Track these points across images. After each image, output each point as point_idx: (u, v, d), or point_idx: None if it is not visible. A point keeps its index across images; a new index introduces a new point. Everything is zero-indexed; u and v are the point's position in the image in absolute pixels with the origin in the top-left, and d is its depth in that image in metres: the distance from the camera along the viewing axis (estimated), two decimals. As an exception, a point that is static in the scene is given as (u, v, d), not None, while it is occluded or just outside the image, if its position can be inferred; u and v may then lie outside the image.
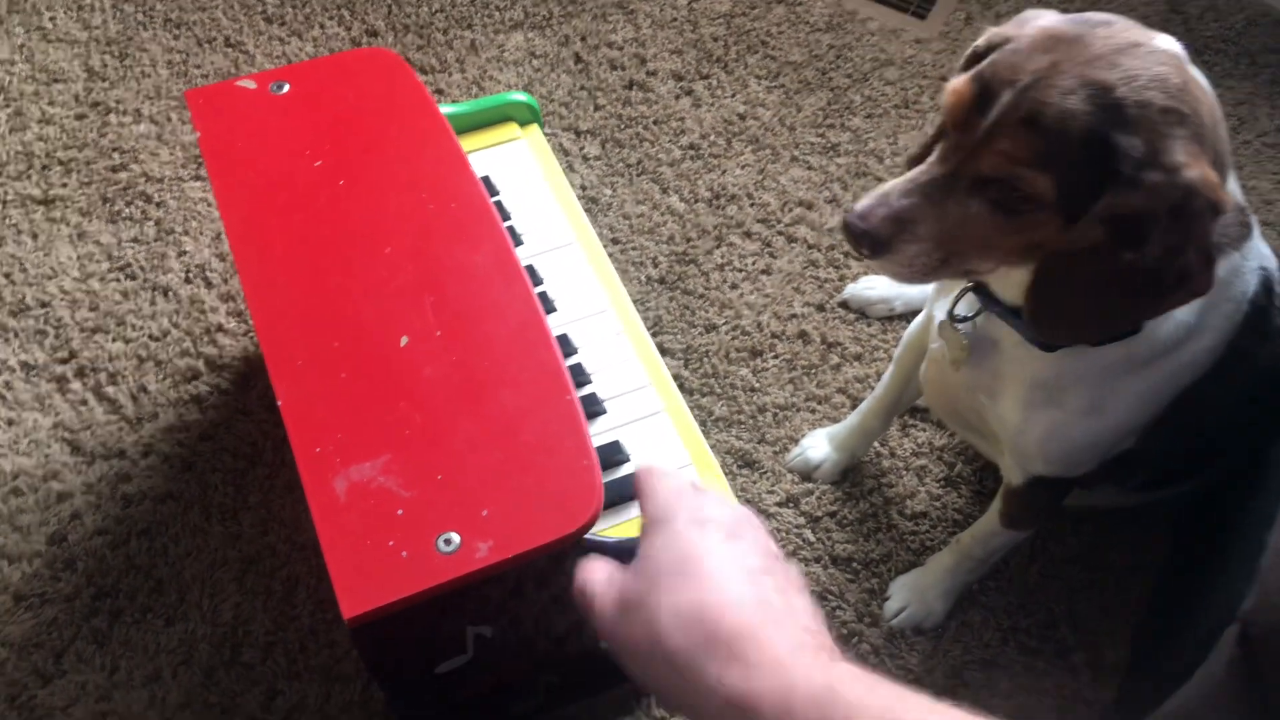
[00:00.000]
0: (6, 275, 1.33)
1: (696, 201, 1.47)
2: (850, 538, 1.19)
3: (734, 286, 1.39)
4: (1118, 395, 0.87)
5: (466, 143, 1.14)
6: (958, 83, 0.76)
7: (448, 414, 0.81)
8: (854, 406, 1.26)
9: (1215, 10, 1.74)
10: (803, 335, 1.34)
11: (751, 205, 1.47)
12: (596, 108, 1.57)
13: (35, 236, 1.37)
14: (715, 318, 1.36)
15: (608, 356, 1.00)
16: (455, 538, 0.75)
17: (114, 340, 1.28)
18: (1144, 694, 0.99)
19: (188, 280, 1.34)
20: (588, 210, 1.44)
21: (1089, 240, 0.73)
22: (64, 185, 1.42)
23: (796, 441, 1.24)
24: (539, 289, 1.03)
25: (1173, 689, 0.84)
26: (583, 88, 1.59)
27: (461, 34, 1.63)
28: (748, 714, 0.51)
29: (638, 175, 1.49)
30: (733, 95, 1.59)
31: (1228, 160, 0.77)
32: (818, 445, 1.22)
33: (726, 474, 1.22)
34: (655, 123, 1.55)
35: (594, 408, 0.95)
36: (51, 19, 1.61)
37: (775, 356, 1.32)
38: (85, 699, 1.04)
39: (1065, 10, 0.79)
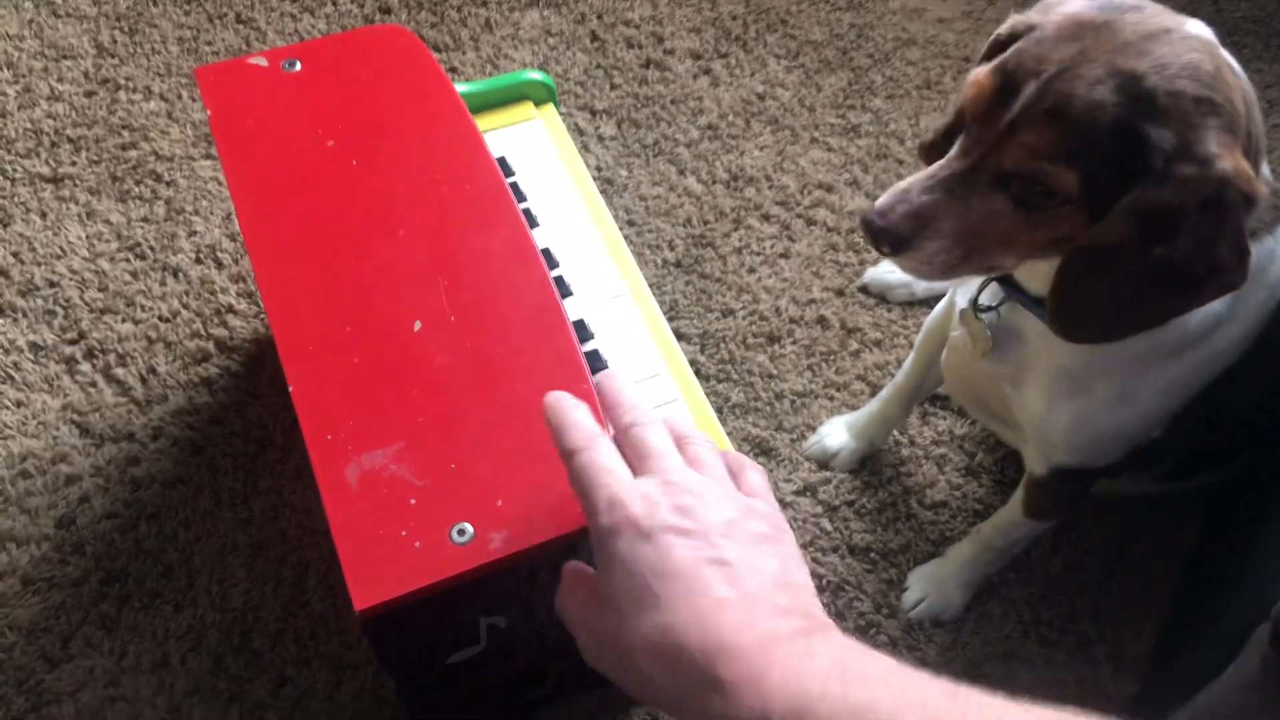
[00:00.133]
0: (15, 254, 1.32)
1: (714, 183, 1.44)
2: (868, 527, 1.17)
3: (752, 270, 1.36)
4: (1146, 384, 0.84)
5: (482, 122, 1.11)
6: (979, 74, 0.74)
7: (462, 401, 0.79)
8: (873, 394, 1.23)
9: (1245, -10, 1.70)
10: (821, 321, 1.32)
11: (770, 187, 1.44)
12: (613, 87, 1.54)
13: (44, 215, 1.35)
14: (732, 302, 1.33)
15: (624, 342, 0.98)
16: (469, 528, 0.73)
17: (123, 321, 1.27)
18: (1168, 689, 0.97)
19: (198, 260, 1.33)
20: (603, 192, 1.42)
21: (1116, 236, 0.70)
22: (73, 163, 1.40)
23: (814, 429, 1.22)
24: (555, 273, 1.01)
25: (1198, 686, 0.82)
26: (599, 66, 1.56)
27: (476, 11, 1.61)
28: None
29: (654, 156, 1.47)
30: (751, 75, 1.57)
31: (1262, 146, 0.74)
32: (836, 433, 1.20)
33: (743, 461, 1.20)
34: (672, 102, 1.53)
35: (610, 395, 0.94)
36: (61, -6, 1.59)
37: (793, 342, 1.30)
38: (93, 684, 1.02)
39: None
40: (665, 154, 1.47)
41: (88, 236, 1.34)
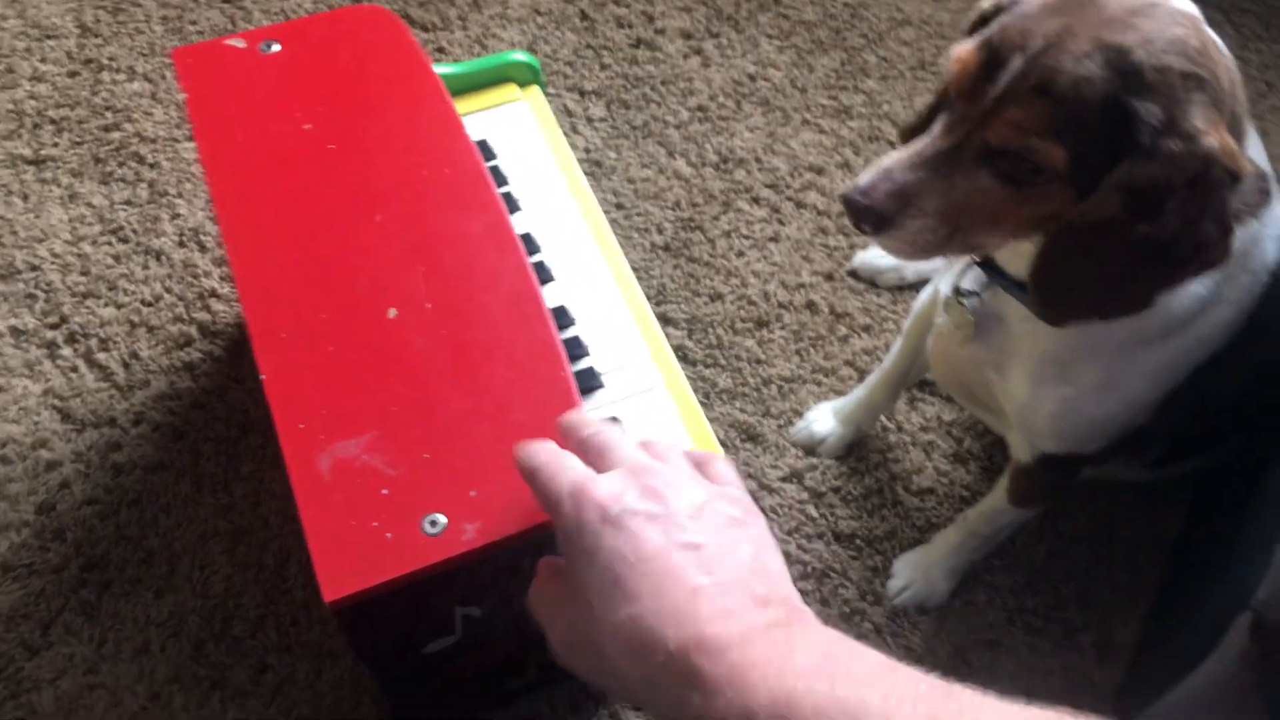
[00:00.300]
0: (-3, 237, 1.31)
1: (704, 165, 1.43)
2: (854, 514, 1.16)
3: (741, 254, 1.35)
4: (1131, 371, 0.83)
5: (464, 104, 1.10)
6: (963, 50, 0.73)
7: (437, 390, 0.78)
8: (862, 379, 1.22)
9: (1244, -31, 1.68)
10: (810, 305, 1.30)
11: (760, 170, 1.43)
12: (602, 67, 1.52)
13: (25, 198, 1.34)
14: (721, 287, 1.32)
15: (607, 328, 0.97)
16: (442, 519, 0.72)
17: (105, 305, 1.26)
18: (1153, 678, 0.97)
19: (181, 244, 1.31)
20: (591, 174, 1.41)
21: (1103, 213, 0.69)
22: (55, 145, 1.39)
23: (801, 415, 1.21)
24: (536, 257, 0.99)
25: (1182, 675, 0.82)
26: (588, 46, 1.54)
27: (464, -10, 1.59)
28: None
29: (643, 138, 1.45)
30: (743, 55, 1.55)
31: (1245, 125, 0.73)
32: (823, 419, 1.19)
33: (730, 448, 1.20)
34: (663, 83, 1.51)
35: (591, 382, 0.92)
36: (44, -28, 1.57)
37: (782, 327, 1.29)
38: (73, 671, 1.02)
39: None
40: (655, 135, 1.46)
41: (70, 219, 1.33)
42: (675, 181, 1.41)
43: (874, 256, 1.32)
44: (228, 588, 1.08)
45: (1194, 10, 0.72)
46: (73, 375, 1.20)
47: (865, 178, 0.76)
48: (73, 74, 1.46)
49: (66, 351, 1.22)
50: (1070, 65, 0.67)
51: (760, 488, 1.17)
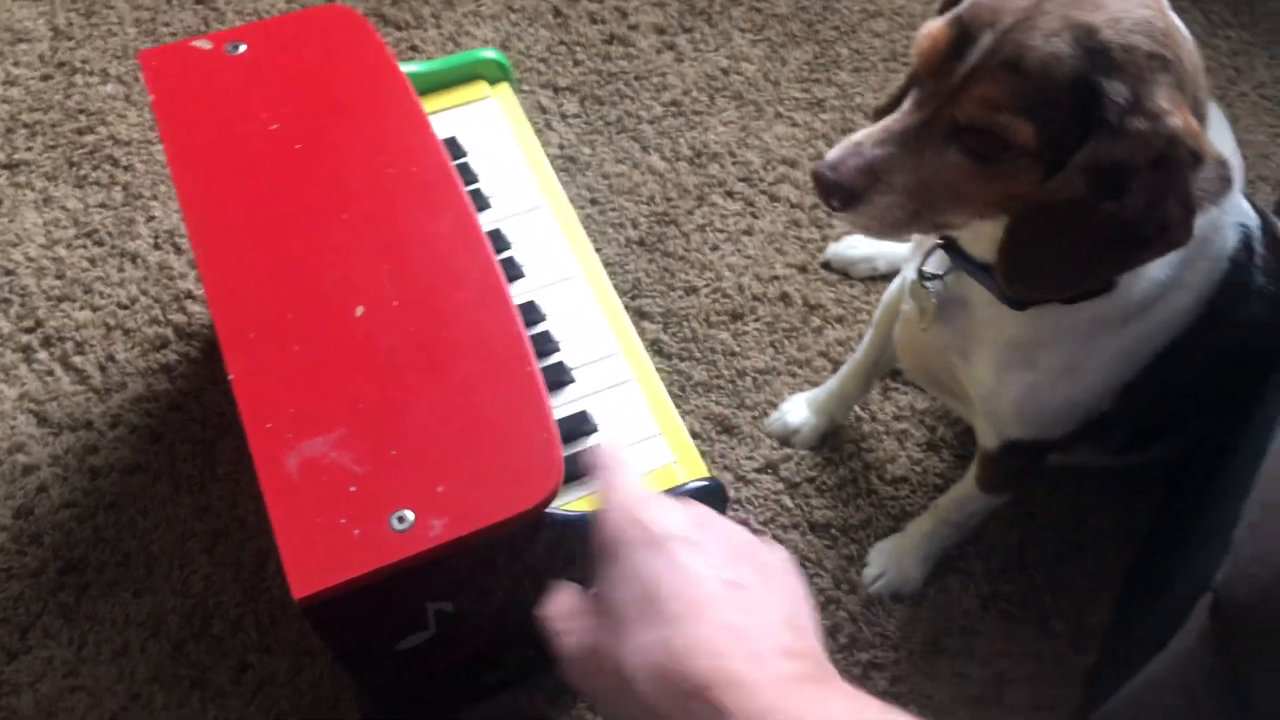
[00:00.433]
0: (-29, 242, 1.31)
1: (678, 160, 1.44)
2: (829, 503, 1.17)
3: (715, 248, 1.36)
4: (1093, 355, 0.84)
5: (433, 102, 1.10)
6: (933, 26, 0.73)
7: (404, 387, 0.79)
8: (835, 370, 1.23)
9: (1213, -44, 1.69)
10: (784, 297, 1.31)
11: (734, 163, 1.43)
12: (576, 63, 1.53)
13: (0, 203, 1.34)
14: (696, 280, 1.33)
15: (577, 323, 0.97)
16: (409, 515, 0.73)
17: (81, 309, 1.26)
18: (1124, 661, 0.98)
19: (156, 246, 1.32)
20: (565, 170, 1.41)
21: (1068, 192, 0.70)
22: (29, 149, 1.39)
23: (776, 406, 1.22)
24: (506, 254, 1.00)
25: (1150, 657, 0.83)
26: (562, 42, 1.55)
27: (436, -12, 1.59)
28: None
29: (617, 133, 1.46)
30: (716, 49, 1.55)
31: (1206, 109, 0.74)
32: (797, 410, 1.20)
33: (705, 440, 1.20)
34: (636, 78, 1.51)
35: (561, 377, 0.93)
36: (15, -24, 1.57)
37: (756, 319, 1.30)
38: (52, 674, 1.02)
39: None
40: (628, 131, 1.46)
41: (44, 223, 1.33)
42: (649, 176, 1.42)
43: (846, 248, 1.33)
44: (206, 587, 1.08)
45: None
46: (49, 379, 1.20)
47: (835, 153, 0.76)
48: (46, 77, 1.46)
49: (42, 355, 1.22)
50: (1040, 42, 0.68)
51: (736, 479, 1.18)
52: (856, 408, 1.22)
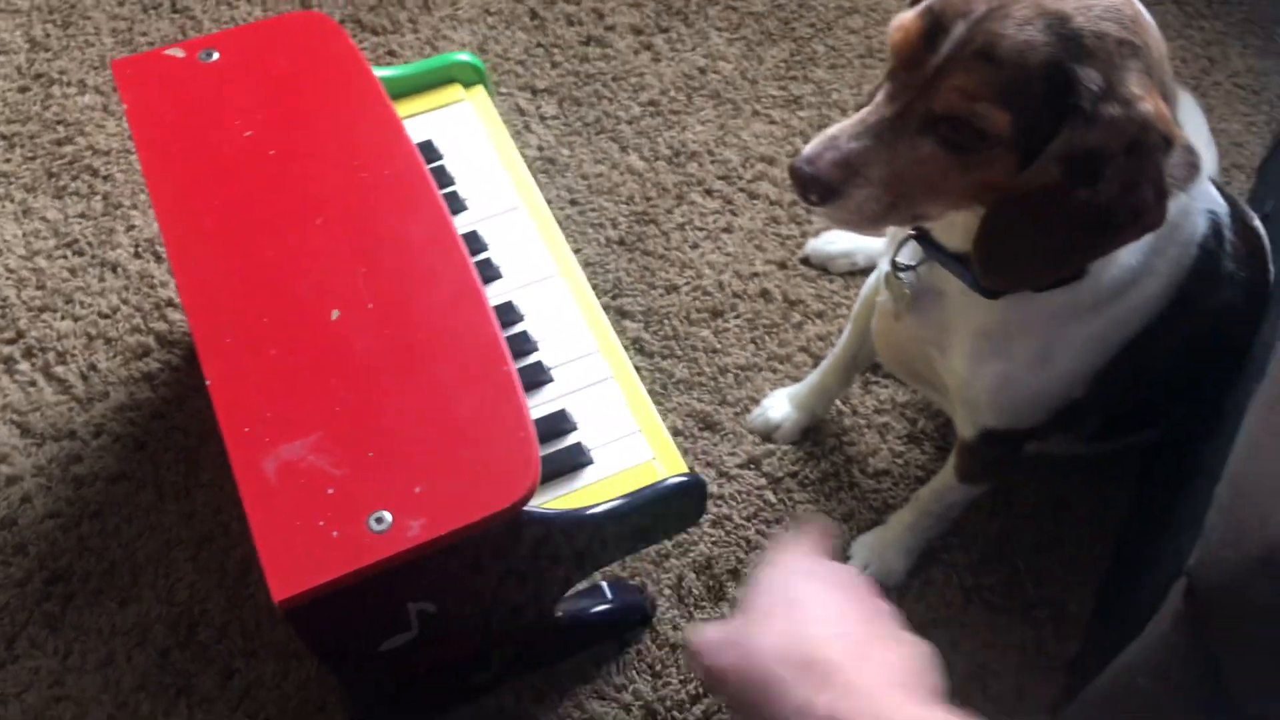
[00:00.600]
0: (-49, 255, 1.31)
1: (656, 159, 1.44)
2: (812, 498, 1.17)
3: (695, 246, 1.36)
4: (1065, 343, 0.85)
5: (409, 106, 1.11)
6: (905, 18, 0.73)
7: (380, 389, 0.79)
8: (816, 365, 1.24)
9: (1186, -53, 1.70)
10: (764, 294, 1.32)
11: (712, 162, 1.44)
12: (553, 65, 1.53)
13: (-21, 214, 1.34)
14: (676, 278, 1.33)
15: (555, 323, 0.98)
16: (387, 516, 0.73)
17: (62, 319, 1.26)
18: (1106, 648, 0.99)
19: (137, 255, 1.32)
20: (545, 171, 1.42)
21: (1043, 180, 0.71)
22: (7, 161, 1.39)
23: (758, 402, 1.23)
24: (483, 255, 1.01)
25: (1129, 642, 0.83)
26: (539, 45, 1.55)
27: (413, -7, 1.59)
28: None
29: (596, 134, 1.46)
30: (693, 49, 1.56)
31: (1173, 95, 0.75)
32: (778, 405, 1.21)
33: (688, 437, 1.21)
34: (614, 79, 1.52)
35: (539, 376, 0.94)
36: (-9, -11, 1.57)
37: (737, 316, 1.30)
38: (38, 684, 1.03)
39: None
40: (607, 131, 1.47)
41: (24, 234, 1.33)
42: (629, 176, 1.42)
43: (825, 243, 1.33)
44: (192, 594, 1.08)
45: None
46: (31, 390, 1.21)
47: (811, 148, 0.76)
48: (23, 89, 1.46)
49: (24, 366, 1.22)
50: (1014, 30, 0.68)
51: (719, 475, 1.18)
52: (838, 402, 1.23)
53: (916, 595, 1.11)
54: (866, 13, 1.61)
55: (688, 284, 1.33)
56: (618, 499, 0.85)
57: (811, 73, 1.54)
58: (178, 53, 0.99)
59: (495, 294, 0.98)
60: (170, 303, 1.28)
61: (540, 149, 1.44)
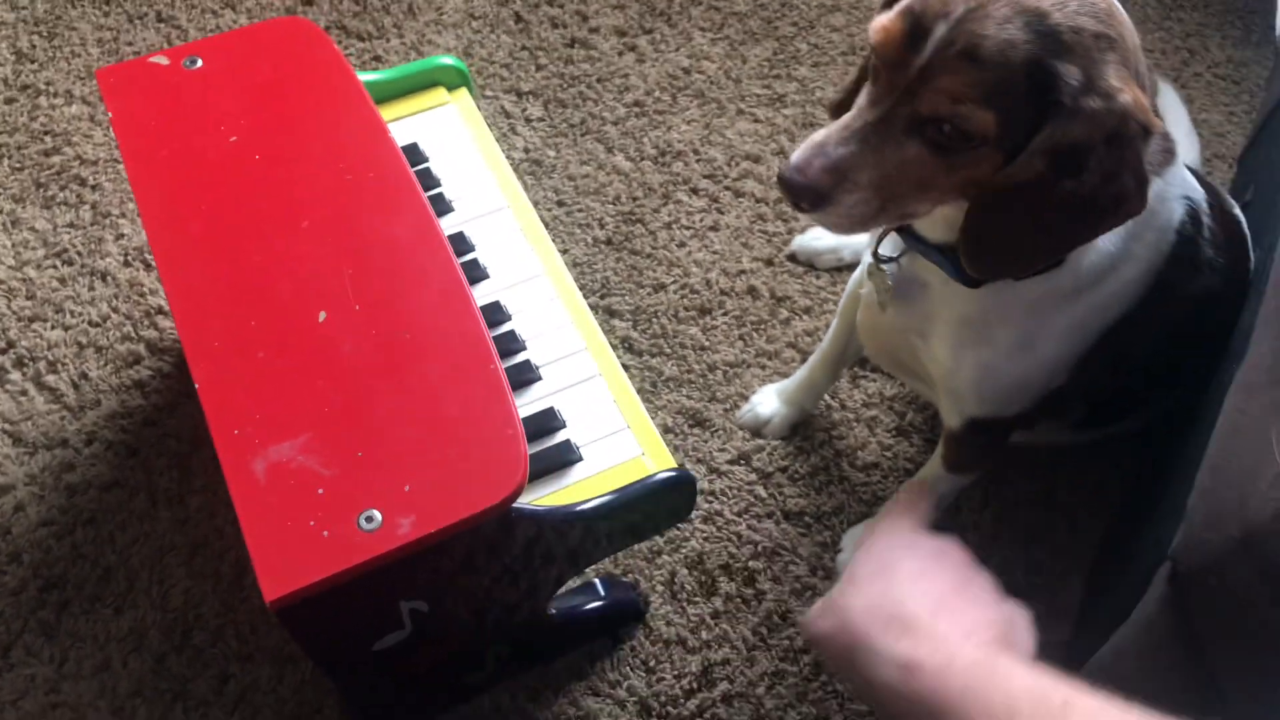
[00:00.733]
0: (-60, 267, 1.31)
1: (642, 160, 1.45)
2: (802, 492, 1.18)
3: (682, 245, 1.37)
4: (1045, 330, 0.86)
5: (393, 110, 1.12)
6: (885, 19, 0.73)
7: (368, 389, 0.80)
8: (804, 360, 1.25)
9: (1164, -60, 1.71)
10: (752, 291, 1.33)
11: (698, 161, 1.45)
12: (538, 68, 1.54)
13: (-32, 226, 1.34)
14: (664, 277, 1.34)
15: (542, 322, 0.99)
16: (377, 515, 0.74)
17: (52, 328, 1.26)
18: (1095, 633, 0.99)
19: (126, 263, 1.32)
20: (532, 173, 1.42)
21: (1028, 174, 0.72)
22: (-5, 172, 1.40)
23: (747, 398, 1.24)
24: (469, 256, 1.01)
25: (1117, 627, 0.84)
26: (524, 48, 1.56)
27: (398, -2, 1.60)
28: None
29: (582, 135, 1.47)
30: (677, 49, 1.57)
31: (1148, 84, 0.76)
32: (767, 401, 1.21)
33: (678, 434, 1.22)
34: (599, 81, 1.53)
35: (527, 375, 0.94)
36: (-24, 1, 1.57)
37: (724, 314, 1.31)
38: (34, 692, 1.03)
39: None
40: (593, 133, 1.47)
41: (13, 245, 1.33)
42: (615, 176, 1.43)
43: (811, 239, 1.34)
44: (187, 600, 1.09)
45: None
46: (22, 399, 1.21)
47: (799, 155, 0.76)
48: (10, 101, 1.47)
49: (15, 376, 1.23)
50: (995, 30, 0.69)
51: (709, 471, 1.19)
52: (826, 396, 1.23)
53: (907, 586, 1.12)
54: (849, 10, 1.62)
55: (675, 282, 1.33)
56: (608, 494, 0.86)
57: (795, 71, 1.55)
58: (162, 60, 1.00)
59: (483, 294, 0.99)
60: (160, 310, 1.28)
61: (527, 151, 1.45)
